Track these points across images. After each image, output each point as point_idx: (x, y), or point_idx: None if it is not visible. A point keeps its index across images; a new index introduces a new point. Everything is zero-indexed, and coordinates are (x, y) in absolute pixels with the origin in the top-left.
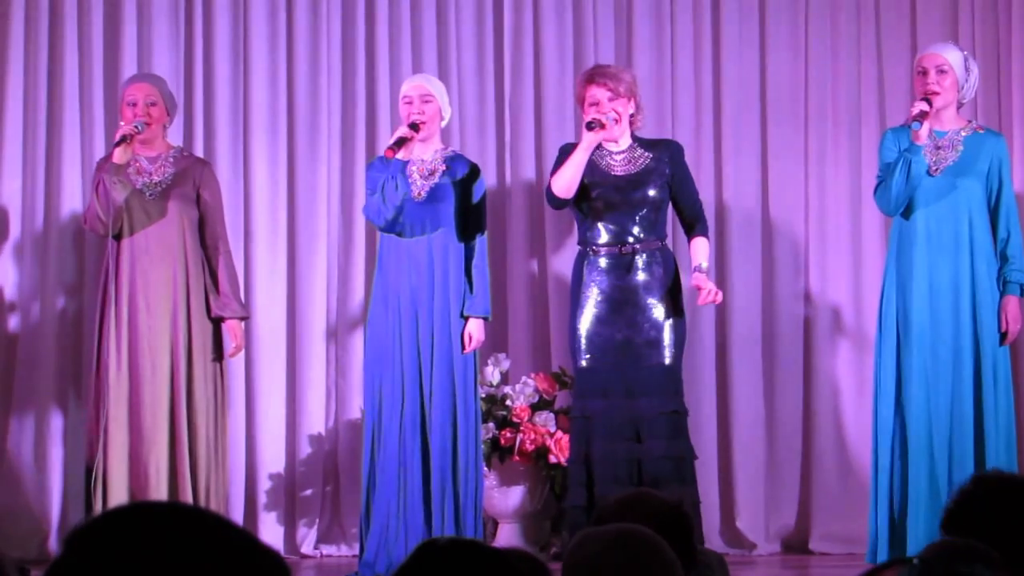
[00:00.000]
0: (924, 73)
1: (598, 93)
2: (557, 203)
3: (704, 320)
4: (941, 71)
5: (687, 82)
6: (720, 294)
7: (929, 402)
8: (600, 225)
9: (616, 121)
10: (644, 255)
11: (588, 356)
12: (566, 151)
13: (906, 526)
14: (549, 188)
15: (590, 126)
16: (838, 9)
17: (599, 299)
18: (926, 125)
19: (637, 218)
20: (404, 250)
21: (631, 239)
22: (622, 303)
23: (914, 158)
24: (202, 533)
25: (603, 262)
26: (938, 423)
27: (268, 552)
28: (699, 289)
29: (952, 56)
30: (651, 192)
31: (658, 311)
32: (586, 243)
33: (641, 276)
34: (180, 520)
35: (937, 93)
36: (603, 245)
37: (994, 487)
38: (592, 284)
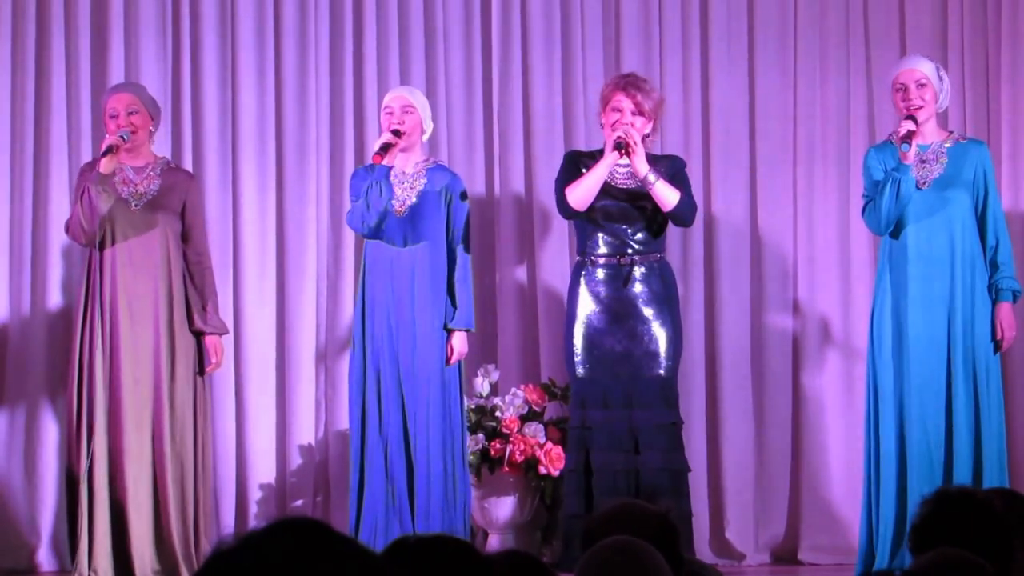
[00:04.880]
0: (904, 89)
1: (624, 102)
2: (570, 213)
3: (693, 332)
4: (921, 85)
5: (675, 95)
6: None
7: (925, 416)
8: (600, 236)
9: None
10: (643, 267)
11: (587, 366)
12: (574, 160)
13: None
14: (564, 198)
15: (619, 147)
16: (826, 26)
17: (598, 310)
18: (914, 144)
19: (636, 230)
20: (388, 260)
21: (630, 251)
22: (621, 314)
23: (903, 177)
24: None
25: (601, 273)
26: (936, 436)
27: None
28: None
29: (927, 68)
30: (650, 205)
31: (656, 323)
32: (585, 253)
33: (639, 288)
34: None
35: (921, 107)
36: (602, 256)
37: (956, 504)
38: (591, 295)
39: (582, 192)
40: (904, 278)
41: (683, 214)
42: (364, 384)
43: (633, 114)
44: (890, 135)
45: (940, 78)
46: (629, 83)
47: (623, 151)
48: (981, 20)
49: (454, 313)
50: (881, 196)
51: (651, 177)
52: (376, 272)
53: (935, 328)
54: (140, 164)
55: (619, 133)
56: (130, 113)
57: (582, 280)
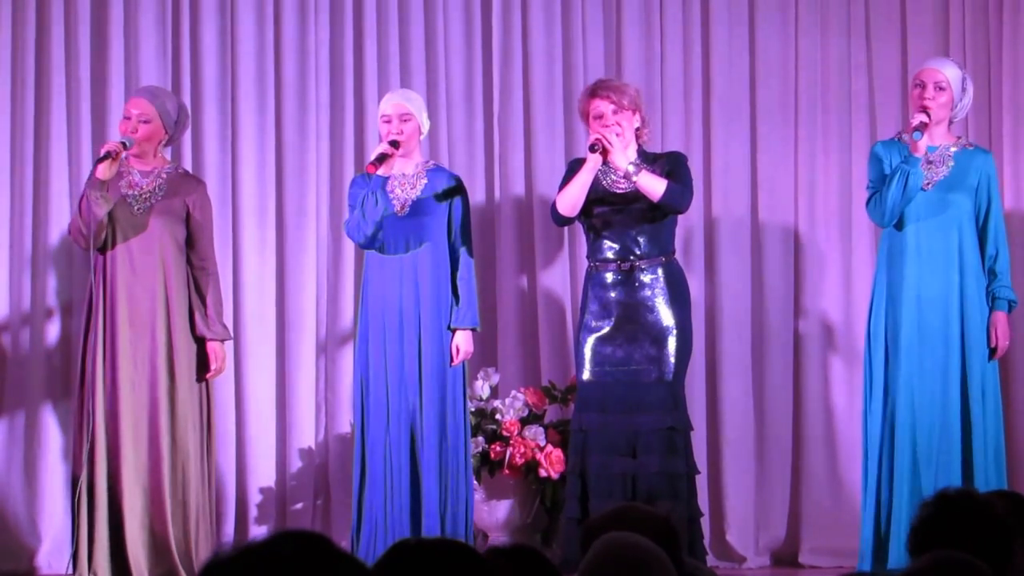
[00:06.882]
0: (921, 87)
1: (601, 106)
2: (561, 221)
3: (695, 335)
4: (939, 87)
5: (676, 96)
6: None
7: (915, 415)
8: (603, 242)
9: (619, 135)
10: (648, 270)
11: (588, 370)
12: (574, 167)
13: (890, 540)
14: (554, 205)
15: (593, 148)
16: (828, 27)
17: (604, 314)
18: (925, 136)
19: (638, 234)
20: (390, 266)
21: (632, 255)
22: (624, 319)
23: (912, 170)
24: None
25: (607, 277)
26: (924, 436)
27: None
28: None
29: (951, 73)
30: (648, 206)
31: (660, 327)
32: (592, 259)
33: (644, 291)
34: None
35: (930, 108)
36: (607, 261)
37: (955, 506)
38: (597, 300)
39: (567, 198)
40: (900, 277)
41: (672, 201)
42: (365, 388)
43: (615, 112)
44: (898, 133)
45: (964, 88)
46: (598, 87)
47: (599, 151)
48: (983, 20)
49: (458, 312)
50: (888, 187)
51: (631, 169)
52: (378, 279)
53: (928, 328)
54: (148, 169)
55: (594, 136)
56: (141, 121)
57: (590, 285)
